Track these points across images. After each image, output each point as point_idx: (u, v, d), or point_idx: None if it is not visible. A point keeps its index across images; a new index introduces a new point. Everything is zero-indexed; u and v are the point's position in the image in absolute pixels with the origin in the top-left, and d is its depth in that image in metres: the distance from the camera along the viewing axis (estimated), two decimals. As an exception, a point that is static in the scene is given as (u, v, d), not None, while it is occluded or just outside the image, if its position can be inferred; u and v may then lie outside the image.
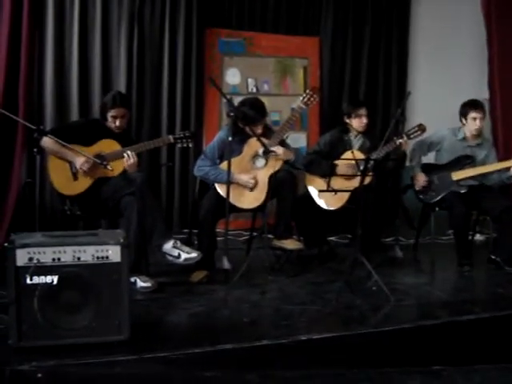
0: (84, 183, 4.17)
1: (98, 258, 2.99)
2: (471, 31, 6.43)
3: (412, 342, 3.46)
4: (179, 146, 4.44)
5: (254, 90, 6.15)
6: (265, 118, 4.56)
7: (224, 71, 6.11)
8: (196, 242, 4.52)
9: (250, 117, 4.43)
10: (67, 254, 2.95)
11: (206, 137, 5.91)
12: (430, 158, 5.34)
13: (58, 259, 2.94)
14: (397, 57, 6.57)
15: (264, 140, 4.31)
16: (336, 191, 4.41)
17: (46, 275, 2.92)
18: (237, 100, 5.25)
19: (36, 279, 2.91)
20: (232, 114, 4.11)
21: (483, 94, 6.08)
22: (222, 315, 3.62)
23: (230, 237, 4.45)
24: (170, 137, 4.44)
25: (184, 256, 3.91)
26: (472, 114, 5.07)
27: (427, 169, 5.17)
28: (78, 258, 2.97)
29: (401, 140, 4.75)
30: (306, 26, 6.34)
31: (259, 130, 4.47)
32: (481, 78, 6.30)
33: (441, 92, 6.40)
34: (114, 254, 3.00)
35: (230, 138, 4.08)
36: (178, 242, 3.98)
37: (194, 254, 3.94)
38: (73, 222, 4.45)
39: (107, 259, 3.00)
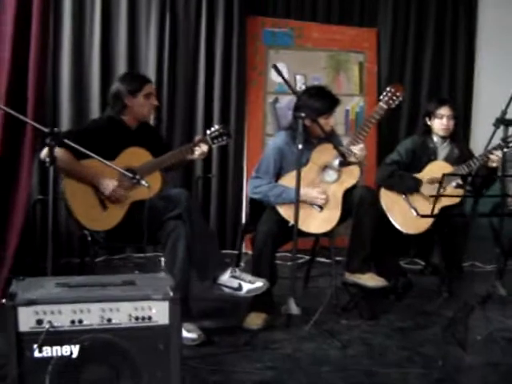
0: (117, 214, 3.29)
1: (136, 319, 2.12)
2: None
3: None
4: (215, 145, 3.60)
5: (303, 89, 5.37)
6: (337, 105, 3.74)
7: (269, 66, 5.46)
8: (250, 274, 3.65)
9: (319, 108, 3.60)
10: (93, 315, 2.08)
11: (248, 141, 5.54)
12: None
13: (80, 322, 2.07)
14: (464, 52, 6.01)
15: (342, 148, 3.43)
16: (435, 216, 3.56)
17: (61, 345, 2.06)
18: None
19: (48, 351, 2.05)
20: (302, 115, 3.20)
21: None
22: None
23: (278, 261, 3.71)
24: (207, 138, 3.57)
25: (247, 287, 3.23)
26: None
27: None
28: (109, 320, 2.09)
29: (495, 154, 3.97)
30: (363, 16, 5.91)
31: (331, 122, 3.69)
32: None
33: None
34: (159, 313, 2.12)
35: (300, 146, 3.18)
36: (237, 270, 3.32)
37: (259, 284, 3.23)
38: (94, 250, 3.57)
39: (150, 321, 2.13)
